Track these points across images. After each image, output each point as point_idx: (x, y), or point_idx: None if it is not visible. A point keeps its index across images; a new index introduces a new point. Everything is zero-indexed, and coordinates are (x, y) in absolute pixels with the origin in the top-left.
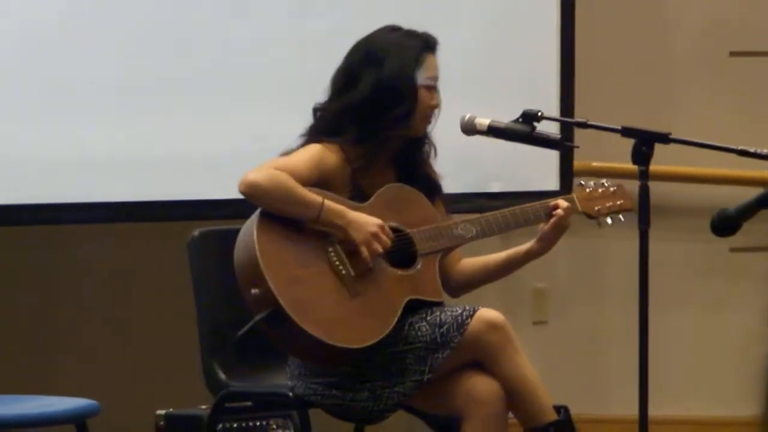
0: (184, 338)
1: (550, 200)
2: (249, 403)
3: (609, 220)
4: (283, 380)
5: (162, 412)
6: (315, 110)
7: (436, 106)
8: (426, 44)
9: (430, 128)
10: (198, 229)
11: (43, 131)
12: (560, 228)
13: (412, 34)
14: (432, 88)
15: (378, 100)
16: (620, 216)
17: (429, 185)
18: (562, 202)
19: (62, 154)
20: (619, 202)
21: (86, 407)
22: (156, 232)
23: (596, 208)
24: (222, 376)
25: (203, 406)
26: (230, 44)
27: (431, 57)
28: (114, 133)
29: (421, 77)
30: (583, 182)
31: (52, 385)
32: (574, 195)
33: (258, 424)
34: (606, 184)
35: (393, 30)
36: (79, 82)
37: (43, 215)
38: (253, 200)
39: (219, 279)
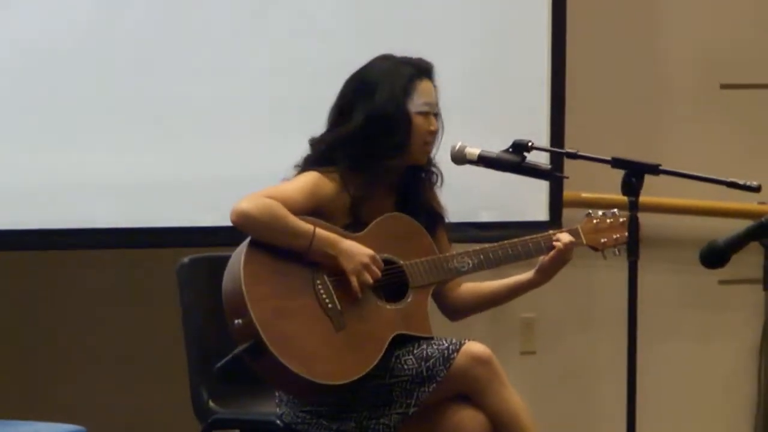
0: (172, 365)
1: (552, 232)
2: (237, 431)
3: (616, 251)
4: (272, 407)
5: None
6: (311, 142)
7: (435, 131)
8: (418, 70)
9: (433, 153)
10: (188, 256)
11: (30, 157)
12: (559, 261)
13: (403, 62)
14: (428, 114)
15: (371, 131)
16: None
17: (430, 214)
18: (564, 236)
19: (51, 181)
20: (627, 234)
21: None
22: (145, 259)
23: (602, 240)
24: (210, 403)
25: None
26: (226, 70)
27: (425, 82)
28: (104, 159)
29: (415, 104)
30: (591, 212)
31: (41, 410)
32: (579, 228)
33: None
34: (616, 214)
35: (385, 59)
36: (69, 108)
37: (32, 241)
38: (245, 230)
39: (208, 306)
